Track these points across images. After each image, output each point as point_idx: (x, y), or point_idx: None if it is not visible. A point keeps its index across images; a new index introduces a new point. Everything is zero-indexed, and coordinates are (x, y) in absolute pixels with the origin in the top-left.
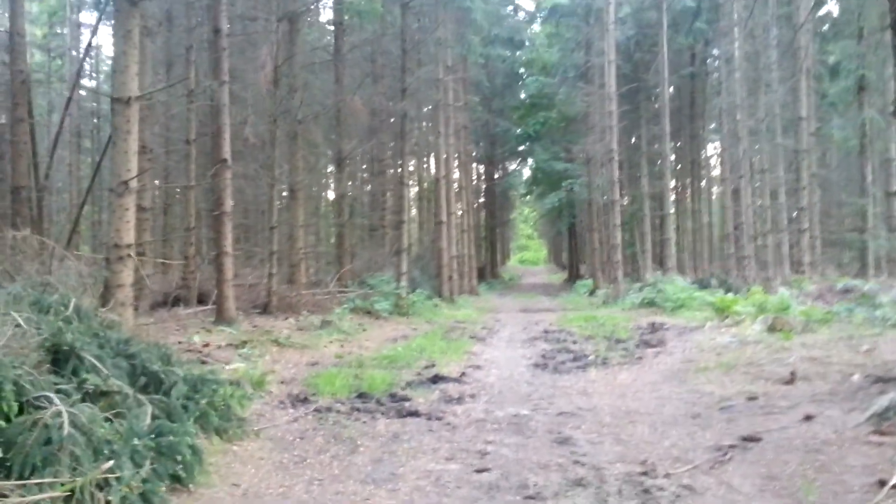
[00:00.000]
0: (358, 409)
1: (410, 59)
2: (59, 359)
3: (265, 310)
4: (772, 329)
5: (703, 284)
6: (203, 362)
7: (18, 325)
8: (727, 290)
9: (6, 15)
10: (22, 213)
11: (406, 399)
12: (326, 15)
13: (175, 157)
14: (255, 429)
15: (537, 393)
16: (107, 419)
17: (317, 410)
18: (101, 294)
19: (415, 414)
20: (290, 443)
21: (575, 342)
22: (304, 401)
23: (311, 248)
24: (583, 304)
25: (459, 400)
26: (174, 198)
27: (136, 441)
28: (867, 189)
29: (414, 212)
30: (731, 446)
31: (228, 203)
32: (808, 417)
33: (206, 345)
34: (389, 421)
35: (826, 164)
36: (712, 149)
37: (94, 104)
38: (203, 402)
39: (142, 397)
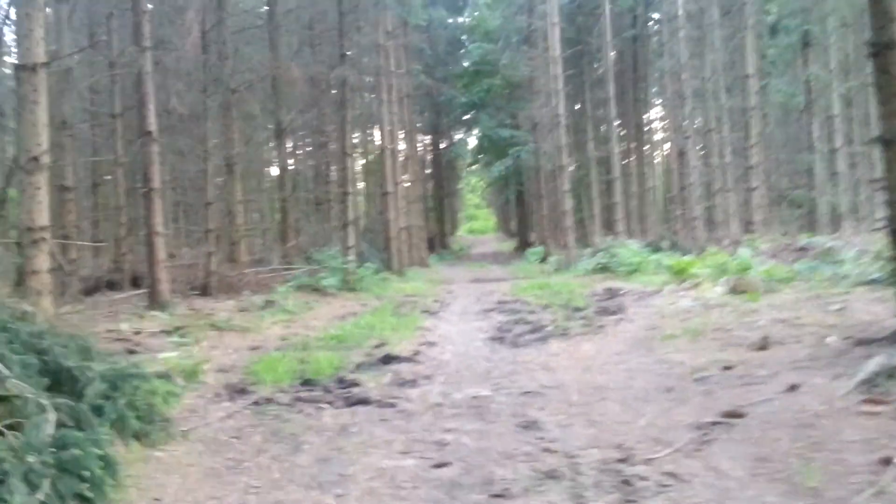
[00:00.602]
0: (302, 399)
1: (349, 24)
2: None
3: (204, 291)
4: (735, 291)
5: (654, 247)
6: (132, 352)
7: None
8: (679, 253)
9: None
10: None
11: (355, 384)
12: None
13: (101, 132)
14: (184, 429)
15: (497, 370)
16: None
17: (256, 403)
18: (15, 282)
19: (365, 401)
20: (223, 444)
21: (531, 312)
22: (243, 392)
23: (253, 225)
24: (535, 272)
25: (413, 382)
26: (102, 176)
27: (31, 457)
28: (813, 146)
29: (361, 184)
30: (713, 423)
31: (157, 179)
32: (793, 387)
33: (137, 332)
34: (337, 411)
35: (767, 122)
36: (656, 112)
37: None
38: (122, 401)
39: (45, 402)
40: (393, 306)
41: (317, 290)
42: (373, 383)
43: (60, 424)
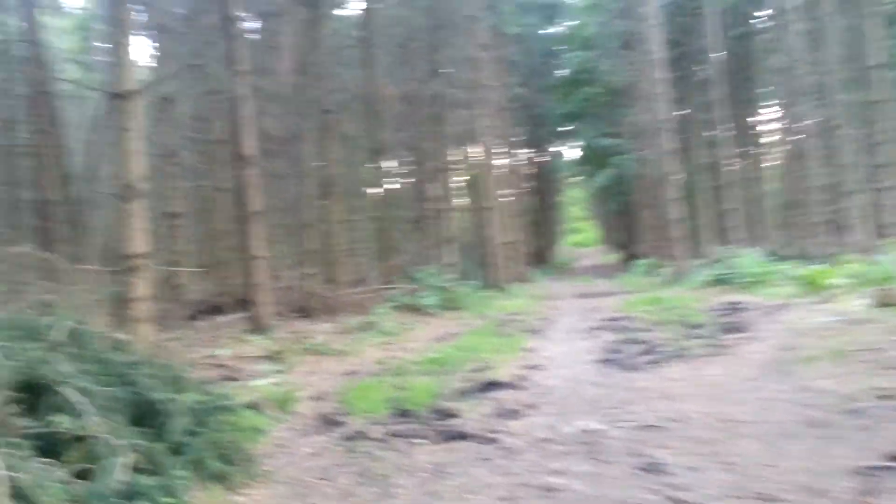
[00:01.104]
0: (396, 433)
1: (442, 39)
2: (36, 397)
3: (304, 313)
4: (881, 304)
5: (776, 256)
6: (228, 379)
7: None
8: (805, 262)
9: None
10: (51, 229)
11: (453, 415)
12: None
13: (204, 158)
14: (268, 469)
15: (609, 398)
16: (69, 478)
17: (347, 437)
18: (115, 310)
19: (463, 436)
20: (308, 486)
21: (644, 330)
22: (334, 423)
23: (352, 245)
24: (644, 286)
25: (516, 413)
26: (208, 202)
27: None
28: None
29: (460, 199)
30: (878, 468)
31: (256, 203)
32: None
33: (236, 358)
34: (433, 447)
35: None
36: (767, 112)
37: None
38: (204, 438)
39: (122, 443)
40: (494, 325)
41: (416, 309)
42: (472, 414)
43: (136, 468)
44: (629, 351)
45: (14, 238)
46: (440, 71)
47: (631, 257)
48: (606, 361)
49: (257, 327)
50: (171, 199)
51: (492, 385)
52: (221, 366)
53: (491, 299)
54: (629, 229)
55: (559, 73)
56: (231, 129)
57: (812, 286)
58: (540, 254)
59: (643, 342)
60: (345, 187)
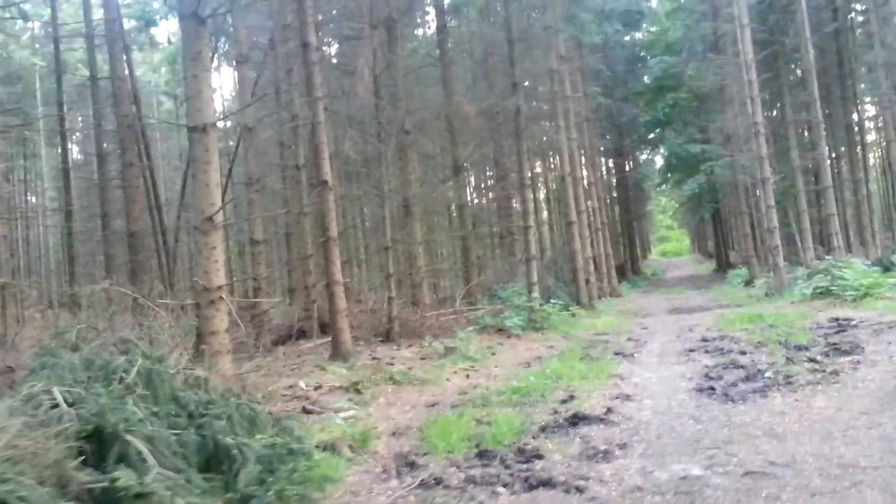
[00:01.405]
0: (475, 480)
1: (520, 52)
2: (103, 446)
3: (387, 337)
4: None
5: (885, 265)
6: (307, 412)
7: (55, 406)
8: None
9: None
10: (141, 261)
11: (538, 456)
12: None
13: (290, 184)
14: None
15: (708, 436)
16: None
17: (423, 484)
18: (195, 344)
19: (548, 483)
20: None
21: (743, 353)
22: (412, 465)
23: (435, 265)
24: (741, 298)
25: (606, 454)
26: (298, 226)
27: None
28: None
29: (544, 214)
30: None
31: (334, 227)
32: None
33: (316, 388)
34: (514, 497)
35: None
36: (868, 110)
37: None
38: (273, 489)
39: (181, 502)
40: (582, 348)
41: (501, 330)
42: (558, 455)
43: None
44: (728, 378)
45: (106, 271)
46: (518, 84)
47: (725, 266)
48: (704, 390)
49: (338, 354)
50: (255, 226)
51: (579, 419)
52: (301, 397)
53: (578, 318)
54: (721, 237)
55: (644, 80)
56: (311, 154)
57: None
58: (629, 265)
59: (743, 367)
60: (425, 207)
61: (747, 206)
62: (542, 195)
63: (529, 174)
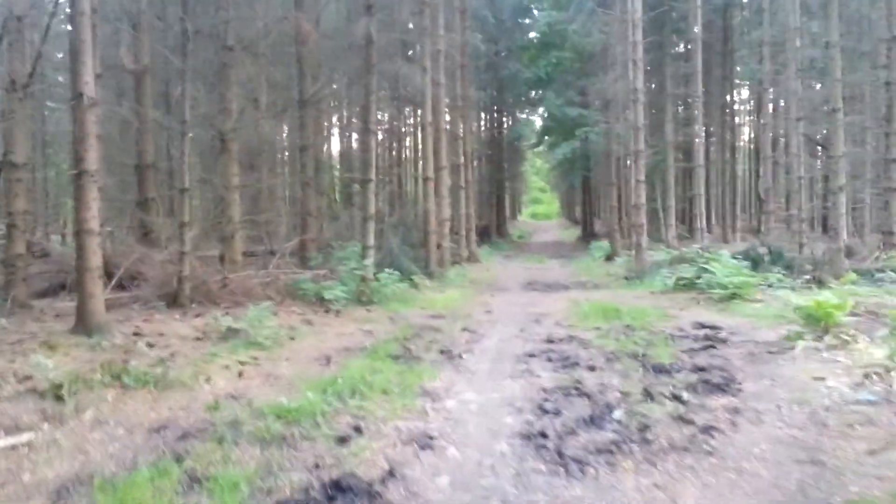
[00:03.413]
0: None
1: None
2: None
3: (174, 301)
4: None
5: (754, 259)
6: None
7: None
8: (790, 269)
9: None
10: None
11: None
12: None
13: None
14: None
15: None
16: None
17: None
18: None
19: None
20: None
21: (592, 368)
22: None
23: (252, 216)
24: (600, 276)
25: None
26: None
27: None
28: None
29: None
30: None
31: (92, 157)
32: None
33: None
34: None
35: None
36: (740, 92)
37: None
38: None
39: None
40: (405, 337)
41: (319, 303)
42: None
43: None
44: (568, 415)
45: None
46: (375, 8)
47: (590, 235)
48: (532, 438)
49: (84, 327)
50: (14, 145)
51: (341, 490)
52: None
53: (418, 290)
54: (589, 206)
55: (529, 35)
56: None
57: (816, 321)
58: (495, 227)
59: (589, 395)
60: (247, 143)
61: (616, 178)
62: (408, 145)
63: (376, 118)
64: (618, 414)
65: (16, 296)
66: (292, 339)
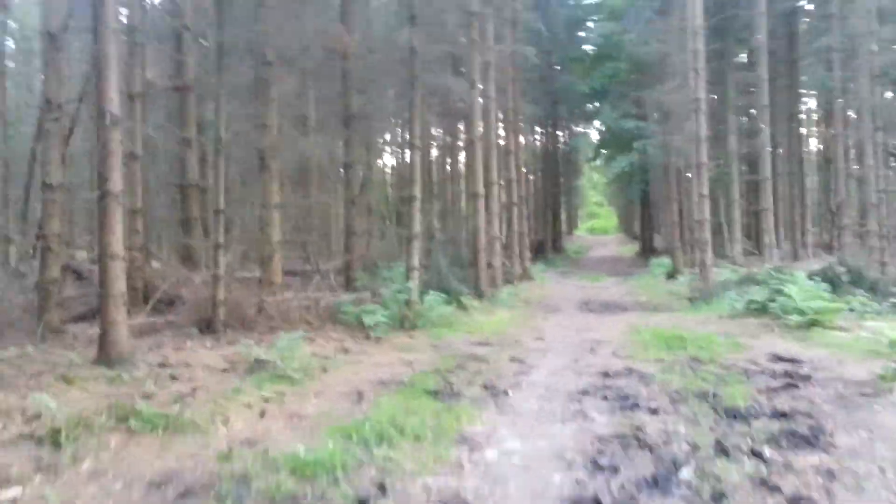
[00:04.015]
0: None
1: None
2: None
3: (209, 327)
4: None
5: (832, 281)
6: None
7: None
8: (868, 290)
9: None
10: None
11: None
12: None
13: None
14: None
15: None
16: None
17: None
18: None
19: None
20: None
21: (654, 411)
22: None
23: (294, 237)
24: (661, 297)
25: None
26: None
27: None
28: None
29: (462, 184)
30: None
31: (117, 178)
32: None
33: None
34: None
35: None
36: (806, 101)
37: None
38: None
39: None
40: (446, 369)
41: (360, 328)
42: None
43: None
44: (626, 474)
45: None
46: (418, 17)
47: (648, 251)
48: None
49: (106, 357)
50: (50, 165)
51: None
52: None
53: (466, 313)
54: (648, 221)
55: (585, 47)
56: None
57: None
58: (550, 242)
59: (651, 448)
60: (293, 160)
61: (677, 192)
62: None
63: (418, 133)
64: (686, 473)
65: (48, 321)
66: (325, 370)
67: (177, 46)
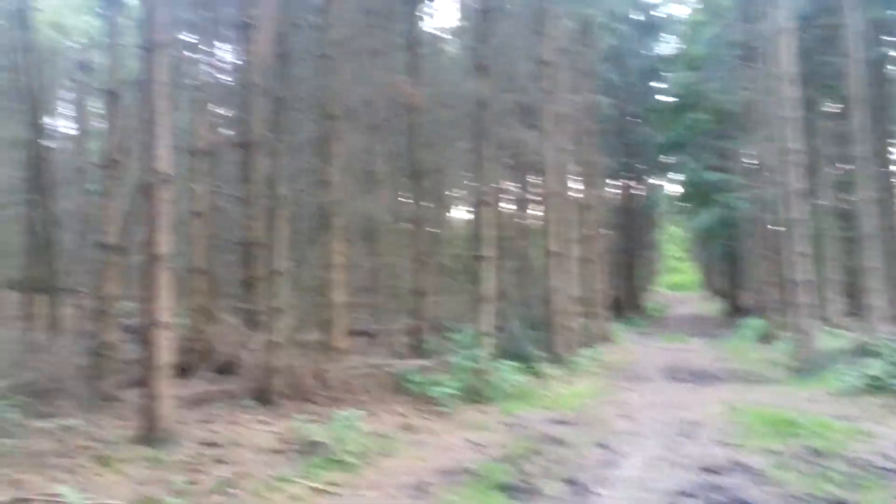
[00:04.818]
0: None
1: (492, 24)
2: None
3: (263, 398)
4: None
5: None
6: None
7: None
8: None
9: None
10: None
11: None
12: None
13: None
14: None
15: None
16: None
17: None
18: None
19: None
20: None
21: None
22: None
23: (356, 299)
24: (757, 364)
25: None
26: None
27: None
28: None
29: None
30: None
31: (163, 242)
32: None
33: None
34: None
35: None
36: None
37: None
38: None
39: None
40: (519, 455)
41: (425, 401)
42: None
43: None
44: None
45: None
46: (489, 69)
47: (734, 310)
48: None
49: (148, 436)
50: (106, 226)
51: None
52: None
53: (541, 382)
54: (735, 278)
55: (661, 97)
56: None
57: None
58: (629, 299)
59: None
60: (359, 217)
61: (767, 248)
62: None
63: (493, 189)
64: None
65: (102, 387)
66: (385, 453)
67: (242, 103)
